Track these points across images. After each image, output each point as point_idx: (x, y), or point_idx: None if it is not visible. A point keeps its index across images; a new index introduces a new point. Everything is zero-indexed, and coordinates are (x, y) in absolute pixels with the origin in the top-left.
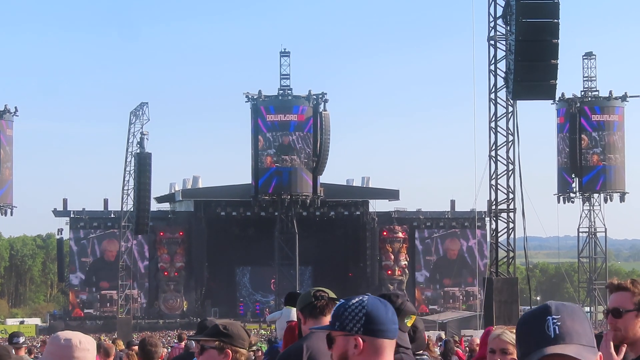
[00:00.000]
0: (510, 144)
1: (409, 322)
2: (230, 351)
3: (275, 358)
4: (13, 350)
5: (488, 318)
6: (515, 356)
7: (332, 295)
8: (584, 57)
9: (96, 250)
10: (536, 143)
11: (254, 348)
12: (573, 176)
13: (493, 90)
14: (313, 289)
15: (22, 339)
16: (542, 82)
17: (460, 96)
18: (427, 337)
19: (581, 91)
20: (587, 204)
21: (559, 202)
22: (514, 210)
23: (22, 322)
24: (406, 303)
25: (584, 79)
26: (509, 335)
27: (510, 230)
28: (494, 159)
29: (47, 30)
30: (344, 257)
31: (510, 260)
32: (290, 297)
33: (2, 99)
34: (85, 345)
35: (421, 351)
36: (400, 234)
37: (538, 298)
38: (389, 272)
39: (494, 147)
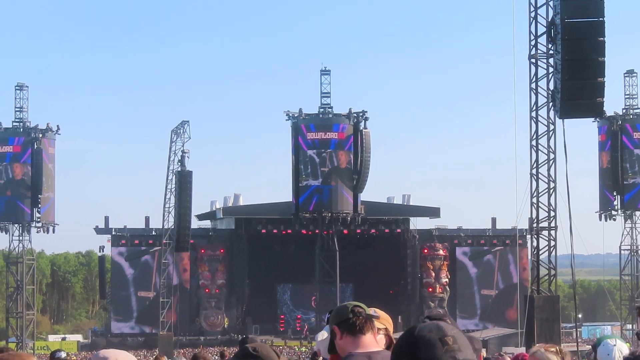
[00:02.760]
0: (551, 162)
1: None
2: None
3: None
4: None
5: (529, 336)
6: None
7: (369, 311)
8: (625, 75)
9: (137, 267)
10: (576, 161)
11: None
12: (615, 194)
13: (534, 108)
14: (351, 304)
15: (63, 355)
16: (589, 100)
17: (502, 114)
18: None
19: (622, 109)
20: (629, 222)
21: (600, 219)
22: (555, 227)
23: (64, 339)
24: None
25: (626, 96)
26: (543, 353)
27: (552, 248)
28: (535, 176)
29: (89, 48)
30: (384, 275)
31: (552, 278)
32: None
33: (44, 118)
34: None
35: None
36: (441, 252)
37: (580, 315)
38: (430, 289)
39: (534, 165)
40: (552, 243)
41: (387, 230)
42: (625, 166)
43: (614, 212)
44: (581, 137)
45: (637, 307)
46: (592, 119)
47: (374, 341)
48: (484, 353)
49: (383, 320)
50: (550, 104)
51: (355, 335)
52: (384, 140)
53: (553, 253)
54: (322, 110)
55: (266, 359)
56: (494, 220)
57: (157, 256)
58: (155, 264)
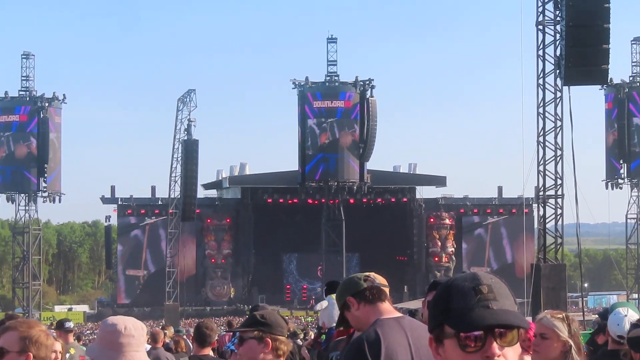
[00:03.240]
0: (558, 129)
1: None
2: (269, 340)
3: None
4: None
5: (536, 305)
6: (555, 341)
7: (380, 279)
8: (633, 42)
9: (143, 237)
10: (583, 129)
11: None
12: (621, 162)
13: (541, 75)
14: (360, 274)
15: (71, 324)
16: (594, 68)
17: (508, 82)
18: None
19: (629, 76)
20: (636, 190)
21: (607, 188)
22: (562, 196)
23: (70, 309)
24: None
25: (633, 64)
26: (549, 320)
27: (558, 217)
28: (541, 144)
29: (94, 18)
30: (391, 244)
31: (558, 246)
32: (331, 286)
33: (50, 87)
34: (130, 331)
35: None
36: (447, 221)
37: (586, 285)
38: (436, 258)
39: (542, 133)
40: (559, 211)
41: (393, 200)
42: (632, 134)
43: (620, 181)
44: (589, 105)
45: None
46: (599, 87)
47: (392, 308)
48: None
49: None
50: (557, 71)
51: (374, 304)
52: (391, 109)
53: (560, 222)
54: (328, 78)
55: (274, 325)
56: (500, 189)
57: (148, 230)
58: (146, 240)
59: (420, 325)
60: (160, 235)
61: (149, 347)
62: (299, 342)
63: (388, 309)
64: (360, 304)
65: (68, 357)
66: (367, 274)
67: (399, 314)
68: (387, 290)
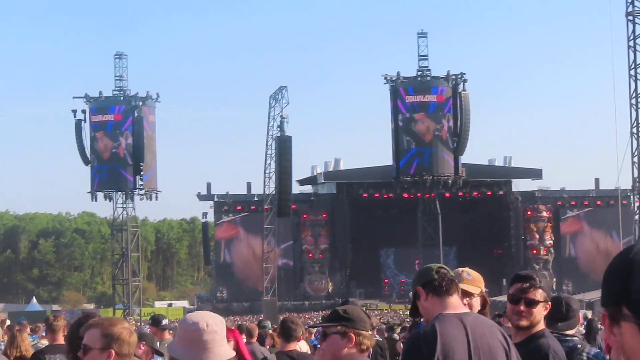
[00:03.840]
0: None
1: None
2: (353, 335)
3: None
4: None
5: None
6: None
7: (462, 272)
8: None
9: (240, 233)
10: None
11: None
12: None
13: (632, 66)
14: (435, 265)
15: (166, 322)
16: None
17: (600, 73)
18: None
19: None
20: None
21: None
22: None
23: (170, 305)
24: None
25: None
26: None
27: None
28: (635, 135)
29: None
30: (487, 237)
31: None
32: None
33: (144, 86)
34: (213, 327)
35: (572, 331)
36: (544, 214)
37: None
38: (534, 251)
39: (635, 124)
40: None
41: (489, 193)
42: None
43: None
44: None
45: None
46: None
47: (460, 303)
48: (589, 315)
49: (477, 282)
50: None
51: (441, 297)
52: (484, 102)
53: None
54: (420, 73)
55: (357, 320)
56: (597, 181)
57: (241, 225)
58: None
59: (484, 323)
60: (254, 230)
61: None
62: (395, 336)
63: (455, 304)
64: (429, 295)
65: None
66: (441, 265)
67: (465, 310)
68: (470, 286)
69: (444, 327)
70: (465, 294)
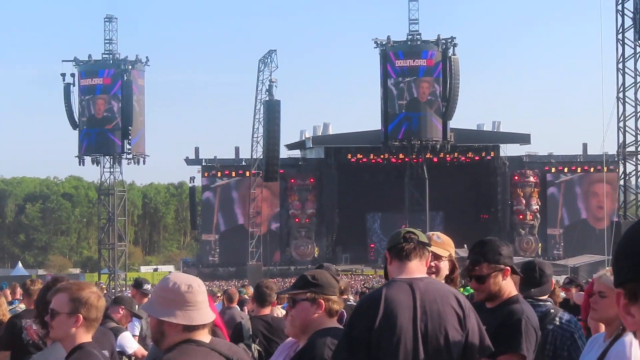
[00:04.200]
0: (638, 85)
1: None
2: (322, 301)
3: None
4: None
5: None
6: (612, 300)
7: (423, 238)
8: None
9: (228, 198)
10: None
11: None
12: None
13: (620, 30)
14: (405, 230)
15: (148, 287)
16: None
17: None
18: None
19: None
20: None
21: None
22: None
23: (155, 270)
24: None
25: None
26: (607, 277)
27: (639, 173)
28: (621, 100)
29: None
30: (474, 202)
31: (639, 203)
32: None
33: (133, 50)
34: (194, 288)
35: (545, 297)
36: (531, 179)
37: None
38: (521, 216)
39: (621, 89)
40: None
41: (477, 158)
42: None
43: None
44: None
45: None
46: None
47: (420, 268)
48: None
49: (446, 245)
50: (636, 25)
51: (402, 261)
52: (473, 67)
53: None
54: (410, 37)
55: (327, 286)
56: (585, 146)
57: (219, 192)
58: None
59: (438, 289)
60: (233, 196)
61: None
62: None
63: (412, 269)
64: (393, 259)
65: (145, 319)
66: (411, 230)
67: (421, 275)
68: (426, 251)
69: (391, 291)
70: (434, 257)
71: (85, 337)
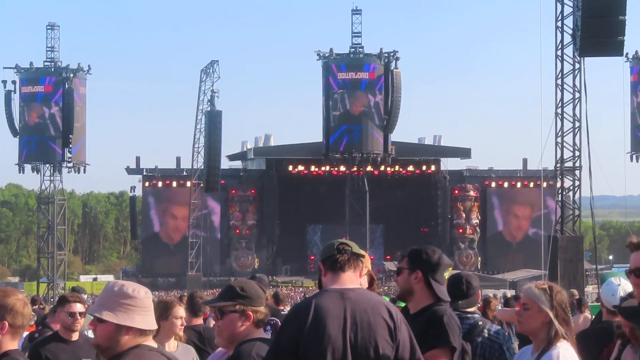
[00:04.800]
0: (576, 100)
1: (446, 275)
2: (251, 313)
3: None
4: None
5: (553, 276)
6: (535, 312)
7: (357, 249)
8: None
9: (167, 208)
10: (605, 101)
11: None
12: None
13: (560, 46)
14: (338, 241)
15: (85, 296)
16: (610, 39)
17: (529, 53)
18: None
19: None
20: None
21: (631, 160)
22: (580, 167)
23: (95, 279)
24: (443, 256)
25: None
26: (531, 290)
27: (576, 188)
28: (560, 116)
29: None
30: (415, 216)
31: (576, 218)
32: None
33: (75, 58)
34: (142, 294)
35: (473, 309)
36: (471, 193)
37: (610, 257)
38: (460, 230)
39: (560, 104)
40: (577, 183)
41: (417, 171)
42: None
43: None
44: (613, 76)
45: (629, 244)
46: (624, 59)
47: (354, 279)
48: (509, 294)
49: (364, 260)
50: (574, 42)
51: (335, 272)
52: (415, 81)
53: (578, 193)
54: (353, 50)
55: (255, 298)
56: (525, 161)
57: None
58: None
59: (369, 299)
60: (182, 205)
61: None
62: None
63: (345, 280)
64: (327, 271)
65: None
66: (344, 242)
67: (353, 286)
68: (359, 262)
69: (321, 301)
70: None
71: (11, 344)
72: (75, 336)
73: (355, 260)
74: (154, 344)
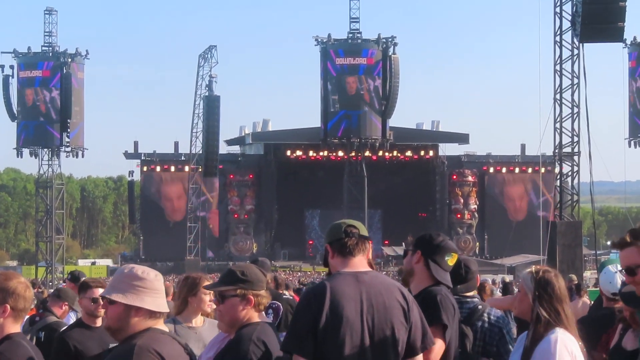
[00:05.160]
0: (575, 86)
1: (450, 260)
2: (252, 297)
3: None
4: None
5: (551, 262)
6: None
7: (364, 231)
8: None
9: (166, 193)
10: (603, 87)
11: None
12: None
13: (558, 32)
14: (345, 223)
15: (84, 279)
16: (610, 25)
17: (528, 39)
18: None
19: None
20: None
21: (629, 146)
22: (579, 153)
23: (93, 263)
24: (447, 241)
25: None
26: (524, 274)
27: (575, 174)
28: (558, 102)
29: None
30: (413, 201)
31: (575, 203)
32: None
33: (73, 42)
34: (159, 278)
35: (472, 293)
36: (469, 178)
37: (608, 243)
38: (459, 215)
39: (558, 90)
40: (576, 169)
41: (415, 157)
42: None
43: None
44: (612, 63)
45: (612, 243)
46: (622, 45)
47: (364, 261)
48: (507, 279)
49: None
50: (573, 28)
51: (345, 257)
52: (414, 66)
53: (577, 179)
54: (351, 35)
55: (256, 282)
56: (523, 147)
57: (158, 186)
58: (184, 189)
59: (383, 281)
60: (181, 189)
61: None
62: None
63: (356, 264)
64: (335, 253)
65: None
66: (352, 223)
67: (365, 269)
68: (367, 244)
69: (336, 284)
70: None
71: (13, 327)
72: (99, 322)
73: (363, 243)
74: (166, 328)
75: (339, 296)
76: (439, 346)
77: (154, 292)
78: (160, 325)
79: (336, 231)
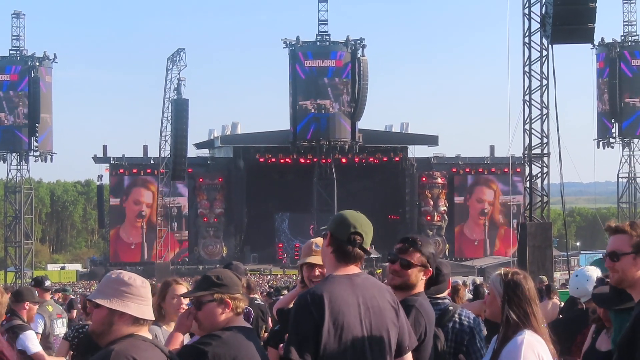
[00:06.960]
0: (544, 88)
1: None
2: (229, 300)
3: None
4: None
5: (521, 263)
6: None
7: (369, 238)
8: (624, 2)
9: (135, 197)
10: (572, 88)
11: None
12: (612, 121)
13: (527, 34)
14: (353, 228)
15: (49, 283)
16: (580, 26)
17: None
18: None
19: (621, 36)
20: (627, 149)
21: (598, 147)
22: (548, 154)
23: (63, 268)
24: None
25: (624, 23)
26: (493, 276)
27: (544, 175)
28: (528, 103)
29: None
30: (382, 203)
31: (544, 205)
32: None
33: (41, 46)
34: (146, 285)
35: (442, 295)
36: (439, 180)
37: (578, 244)
38: (428, 217)
39: (528, 92)
40: (545, 170)
41: (385, 159)
42: (623, 94)
43: (611, 140)
44: (580, 64)
45: (607, 227)
46: (590, 46)
47: (355, 267)
48: (478, 281)
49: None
50: (543, 29)
51: (341, 262)
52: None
53: (546, 180)
54: (319, 37)
55: (231, 285)
56: (492, 148)
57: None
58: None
59: (374, 284)
60: (141, 193)
61: None
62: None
63: (351, 269)
64: (335, 254)
65: (47, 315)
66: (359, 231)
67: (356, 271)
68: (364, 254)
69: (333, 288)
70: (319, 265)
71: None
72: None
73: (362, 255)
74: (149, 335)
75: (339, 302)
76: None
77: (139, 298)
78: (144, 332)
79: (342, 230)
